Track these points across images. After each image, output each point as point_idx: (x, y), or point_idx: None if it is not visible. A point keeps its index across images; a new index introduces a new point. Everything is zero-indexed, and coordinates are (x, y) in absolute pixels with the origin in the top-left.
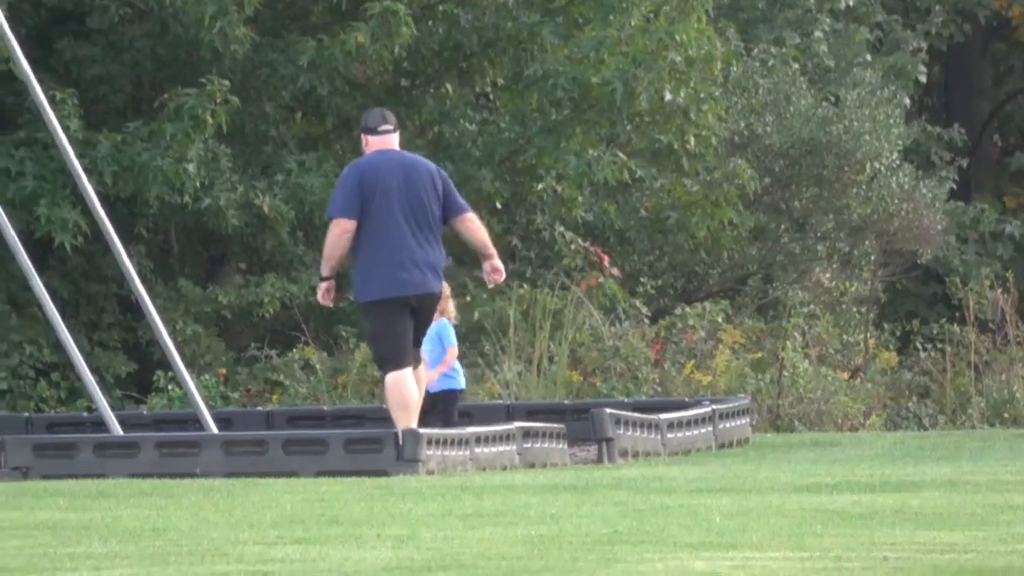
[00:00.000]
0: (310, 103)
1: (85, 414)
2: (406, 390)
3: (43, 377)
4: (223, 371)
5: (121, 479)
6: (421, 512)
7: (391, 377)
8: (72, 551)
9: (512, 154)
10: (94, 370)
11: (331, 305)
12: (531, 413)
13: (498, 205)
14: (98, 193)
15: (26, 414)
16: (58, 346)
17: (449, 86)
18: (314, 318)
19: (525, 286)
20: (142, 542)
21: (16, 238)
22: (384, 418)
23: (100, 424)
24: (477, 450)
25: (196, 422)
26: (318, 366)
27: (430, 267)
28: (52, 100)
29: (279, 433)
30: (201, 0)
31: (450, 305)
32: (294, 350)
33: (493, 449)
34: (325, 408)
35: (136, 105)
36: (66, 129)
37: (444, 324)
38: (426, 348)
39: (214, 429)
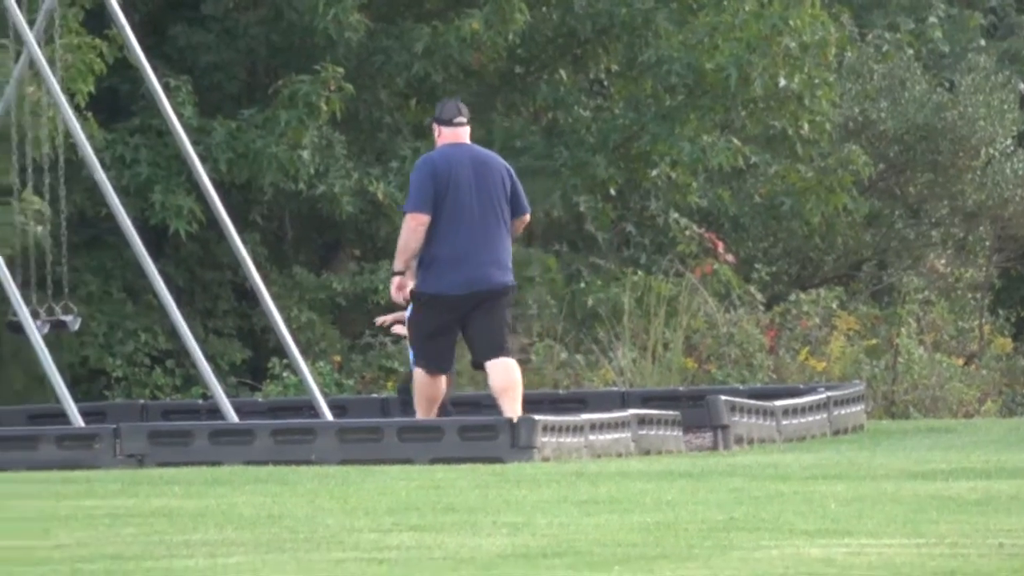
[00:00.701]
0: (424, 90)
1: (200, 401)
2: (429, 384)
3: (158, 364)
4: (338, 358)
5: (236, 466)
6: (536, 499)
7: (419, 373)
8: (187, 538)
9: (626, 140)
10: (209, 357)
11: (404, 300)
12: (646, 400)
13: (612, 192)
14: (213, 180)
15: (141, 401)
16: (173, 333)
17: (563, 72)
18: None
19: (639, 273)
20: (257, 529)
21: (131, 225)
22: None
23: (215, 411)
24: (592, 437)
25: (311, 409)
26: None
27: (497, 262)
28: (166, 87)
29: (394, 420)
30: None
31: None
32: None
33: (608, 436)
34: None
35: (250, 92)
36: (180, 116)
37: None
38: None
39: (329, 416)
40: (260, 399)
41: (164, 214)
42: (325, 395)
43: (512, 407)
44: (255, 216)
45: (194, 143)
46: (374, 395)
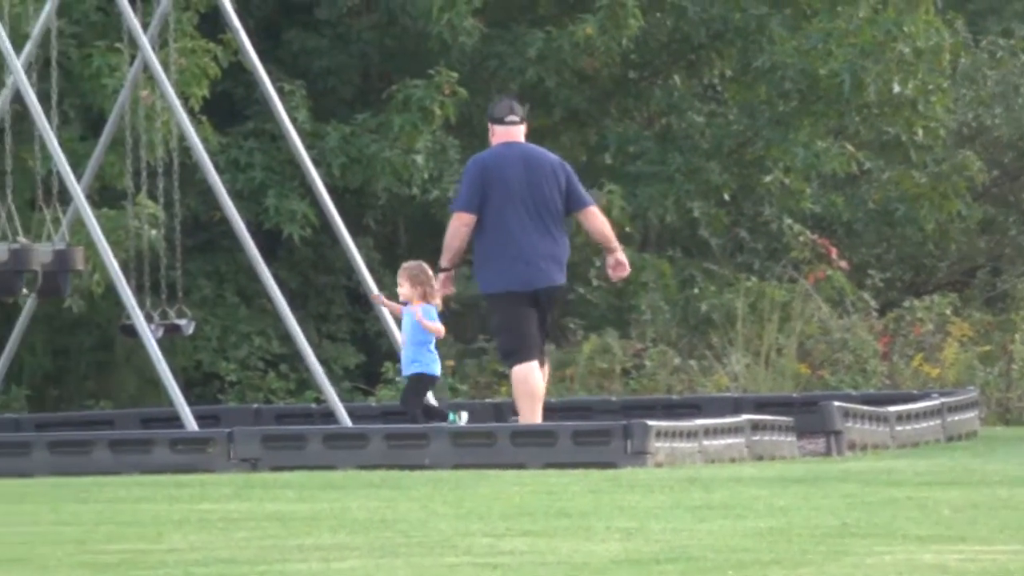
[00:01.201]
0: (538, 95)
1: (314, 405)
2: (533, 381)
3: (272, 368)
4: (451, 363)
5: (350, 470)
6: (649, 504)
7: (518, 369)
8: (301, 543)
9: (740, 146)
10: (323, 361)
11: (449, 293)
12: (759, 406)
13: (726, 197)
14: (326, 184)
15: (255, 405)
16: (287, 337)
17: (677, 78)
18: None
19: (753, 278)
20: (371, 533)
21: (245, 229)
22: (611, 411)
23: (329, 415)
24: (706, 442)
25: None
26: (546, 358)
27: (552, 259)
28: (280, 91)
29: (507, 425)
30: None
31: (438, 298)
32: None
33: (721, 441)
34: (553, 400)
35: (364, 96)
36: (294, 120)
37: (429, 308)
38: (405, 327)
39: None
40: (373, 403)
41: (278, 218)
42: (439, 401)
43: (531, 416)
44: (368, 220)
45: (308, 147)
46: (487, 400)
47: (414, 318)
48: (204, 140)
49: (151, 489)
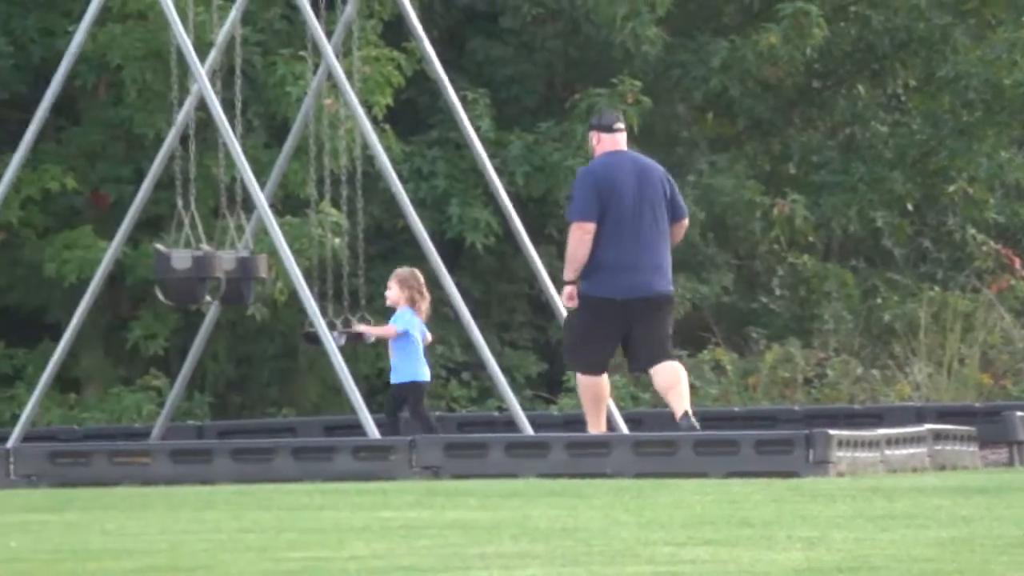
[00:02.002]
0: (722, 104)
1: (496, 414)
2: (599, 388)
3: (454, 377)
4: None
5: (531, 479)
6: (831, 514)
7: (585, 379)
8: (482, 551)
9: (924, 156)
10: (505, 370)
11: (574, 306)
12: (942, 415)
13: (909, 207)
14: (509, 193)
15: (437, 413)
16: (469, 346)
17: (861, 87)
18: (725, 319)
19: (936, 288)
20: (552, 542)
21: (428, 238)
22: (793, 420)
23: (511, 424)
24: (888, 452)
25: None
26: (728, 367)
27: (658, 268)
28: (464, 100)
29: (689, 434)
30: (613, 1)
31: (424, 304)
32: (704, 351)
33: (904, 451)
34: (735, 409)
35: (547, 105)
36: (478, 129)
37: (404, 310)
38: (393, 340)
39: (624, 429)
40: (556, 412)
41: (461, 227)
42: (621, 408)
43: (680, 402)
44: (551, 229)
45: (491, 156)
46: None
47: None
48: (387, 149)
49: (333, 496)
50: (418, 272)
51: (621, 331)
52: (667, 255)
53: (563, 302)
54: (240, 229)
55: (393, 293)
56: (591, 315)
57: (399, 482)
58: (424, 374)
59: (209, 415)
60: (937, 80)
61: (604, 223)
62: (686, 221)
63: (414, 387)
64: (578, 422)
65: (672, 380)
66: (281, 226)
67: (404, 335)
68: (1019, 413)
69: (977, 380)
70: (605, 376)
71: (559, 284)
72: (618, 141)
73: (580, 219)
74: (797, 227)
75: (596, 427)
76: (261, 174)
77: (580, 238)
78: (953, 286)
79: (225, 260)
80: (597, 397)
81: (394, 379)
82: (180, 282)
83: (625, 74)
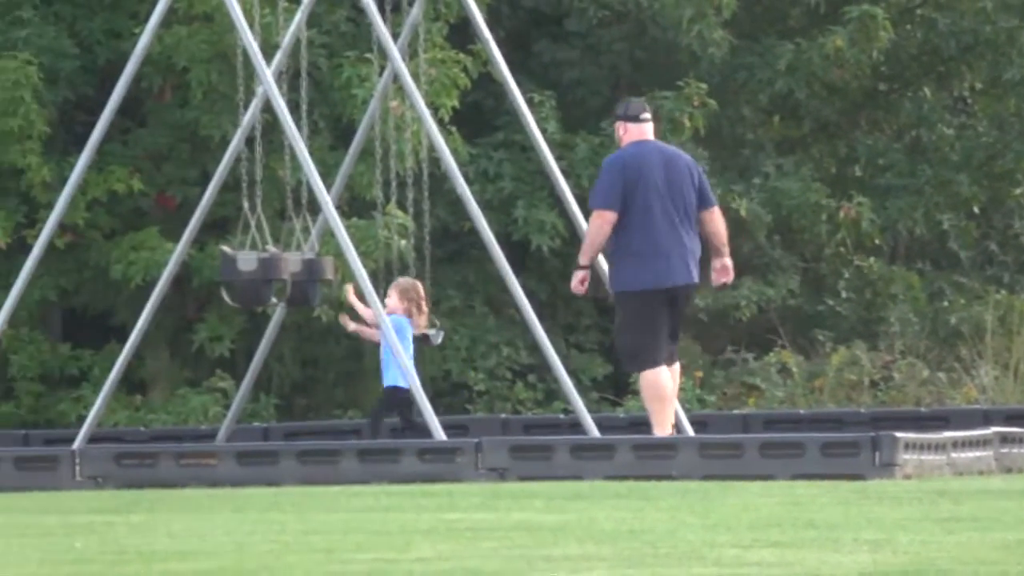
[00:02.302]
0: (787, 106)
1: (561, 416)
2: (663, 384)
3: (520, 379)
4: (699, 374)
5: (597, 481)
6: (897, 516)
7: (648, 374)
8: (548, 553)
9: (990, 159)
10: (571, 372)
11: (583, 294)
12: (1009, 418)
13: (975, 210)
14: (575, 195)
15: (503, 415)
16: (535, 348)
17: (927, 90)
18: (791, 321)
19: (1002, 291)
20: (618, 544)
21: (494, 240)
22: (860, 422)
23: (576, 426)
24: (954, 455)
25: (672, 424)
26: (795, 369)
27: (691, 257)
28: (530, 102)
29: (755, 436)
30: (679, 3)
31: (422, 319)
32: (770, 353)
33: (970, 454)
34: (801, 411)
35: (613, 107)
36: (544, 131)
37: (399, 319)
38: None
39: (690, 432)
40: (621, 414)
41: (527, 229)
42: (687, 410)
43: (663, 421)
44: None
45: (557, 158)
46: (735, 411)
47: (399, 330)
48: (453, 151)
49: (399, 498)
50: (419, 284)
51: (666, 318)
52: (697, 243)
53: (573, 286)
54: (306, 231)
55: (392, 302)
56: (645, 309)
57: (465, 484)
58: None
59: (275, 417)
60: (1003, 83)
61: (632, 212)
62: (717, 209)
63: (397, 392)
64: (644, 424)
65: (676, 384)
66: (347, 228)
67: (398, 334)
68: None
69: None
70: (665, 369)
71: None
72: (645, 131)
73: (603, 207)
74: (863, 230)
75: (662, 427)
76: (327, 176)
77: (600, 226)
78: (1019, 289)
79: (291, 262)
80: (661, 395)
81: (385, 382)
82: (246, 284)
83: (691, 76)
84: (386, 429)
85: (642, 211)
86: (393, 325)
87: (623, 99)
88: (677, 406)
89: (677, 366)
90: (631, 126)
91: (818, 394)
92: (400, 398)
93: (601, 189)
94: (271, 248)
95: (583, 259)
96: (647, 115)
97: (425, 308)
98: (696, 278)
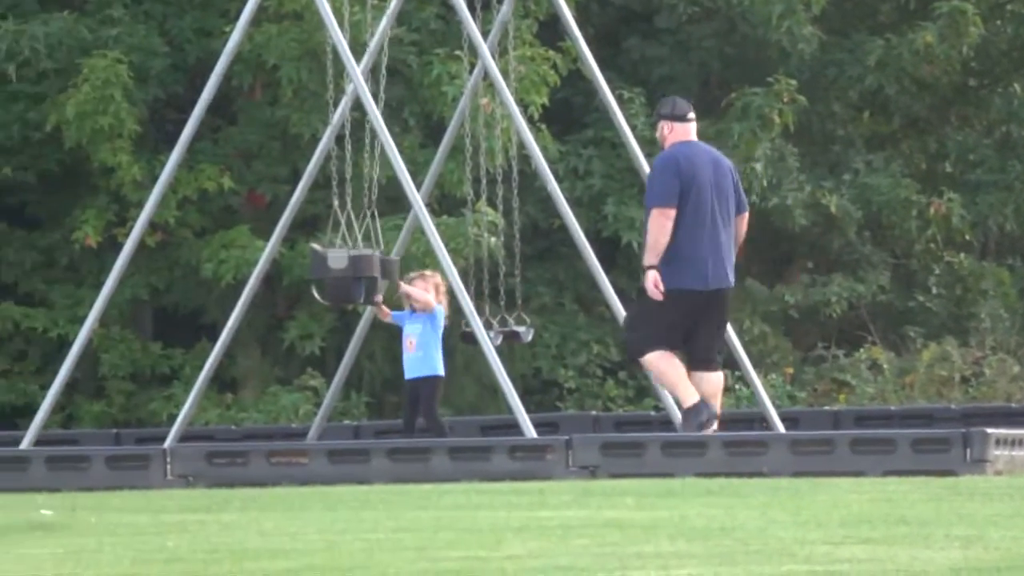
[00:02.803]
0: (878, 102)
1: (652, 413)
2: (666, 358)
3: (610, 376)
4: (790, 370)
5: (688, 478)
6: (989, 512)
7: (650, 357)
8: (639, 550)
9: None
10: None
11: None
12: None
13: None
14: None
15: (593, 413)
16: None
17: (1017, 86)
18: (881, 318)
19: None
20: (709, 541)
21: (584, 237)
22: (951, 418)
23: (667, 423)
24: None
25: (763, 421)
26: (885, 366)
27: (730, 260)
28: (620, 99)
29: (846, 433)
30: (769, 0)
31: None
32: (861, 350)
33: None
34: (892, 408)
35: (703, 104)
36: (633, 128)
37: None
38: (415, 330)
39: (781, 428)
40: None
41: (616, 225)
42: (777, 407)
43: (686, 391)
44: None
45: (647, 155)
46: (826, 407)
47: (436, 320)
48: (543, 148)
49: (490, 496)
50: (439, 275)
51: (694, 321)
52: (733, 248)
53: (649, 288)
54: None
55: (433, 295)
56: (674, 308)
57: (556, 481)
58: (441, 368)
59: (366, 415)
60: None
61: (683, 212)
62: (746, 215)
63: (436, 382)
64: (734, 421)
65: (717, 390)
66: (437, 226)
67: (434, 325)
68: None
69: None
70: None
71: None
72: (690, 131)
73: (662, 205)
74: (953, 225)
75: (689, 396)
76: (417, 174)
77: (663, 224)
78: None
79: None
80: (673, 367)
81: (418, 372)
82: (336, 282)
83: (781, 73)
84: (443, 425)
85: (693, 211)
86: (440, 312)
87: (666, 98)
88: (768, 402)
89: (720, 375)
90: (677, 125)
91: (909, 390)
92: (437, 386)
93: (658, 186)
94: (361, 246)
95: (651, 259)
96: (692, 115)
97: (443, 288)
98: (733, 282)
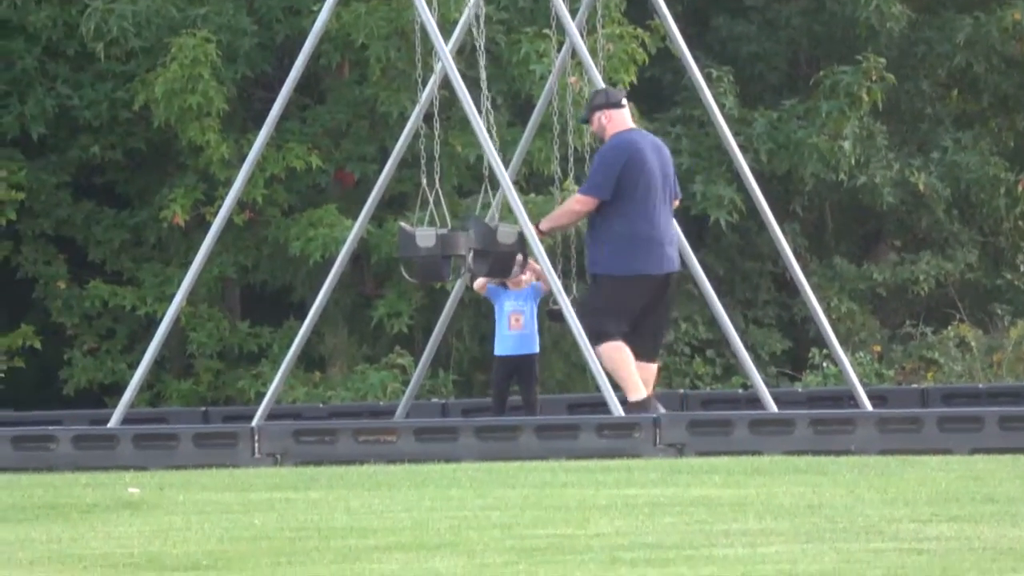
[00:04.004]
0: (966, 80)
1: (740, 391)
2: (623, 347)
3: (698, 354)
4: (878, 348)
5: (776, 456)
6: None
7: (606, 346)
8: (727, 528)
9: None
10: (749, 347)
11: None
12: None
13: None
14: (753, 170)
15: (681, 391)
16: (713, 323)
17: None
18: (969, 295)
19: None
20: (797, 519)
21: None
22: None
23: (755, 401)
24: None
25: (850, 399)
26: (973, 344)
27: (676, 244)
28: (708, 78)
29: (934, 411)
30: None
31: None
32: (949, 328)
33: None
34: (980, 386)
35: (792, 82)
36: (722, 107)
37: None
38: (523, 307)
39: (868, 406)
40: (800, 389)
41: (705, 204)
42: (865, 385)
43: (635, 385)
44: (795, 206)
45: (735, 133)
46: (914, 385)
47: (539, 297)
48: None
49: (577, 474)
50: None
51: (646, 307)
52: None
53: (534, 237)
54: (486, 208)
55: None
56: (633, 292)
57: (643, 459)
58: (536, 345)
59: (453, 393)
60: None
61: (634, 199)
62: (678, 202)
63: (532, 359)
64: (821, 399)
65: (652, 378)
66: (525, 204)
67: (536, 302)
68: None
69: None
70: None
71: (803, 261)
72: (626, 117)
73: (592, 194)
74: None
75: (637, 390)
76: (505, 152)
77: (579, 212)
78: None
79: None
80: (625, 358)
81: (525, 350)
82: (424, 260)
83: (869, 51)
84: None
85: (644, 197)
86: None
87: (597, 90)
88: (855, 380)
89: (655, 366)
90: (614, 113)
91: (996, 368)
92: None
93: (601, 178)
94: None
95: (545, 225)
96: (625, 100)
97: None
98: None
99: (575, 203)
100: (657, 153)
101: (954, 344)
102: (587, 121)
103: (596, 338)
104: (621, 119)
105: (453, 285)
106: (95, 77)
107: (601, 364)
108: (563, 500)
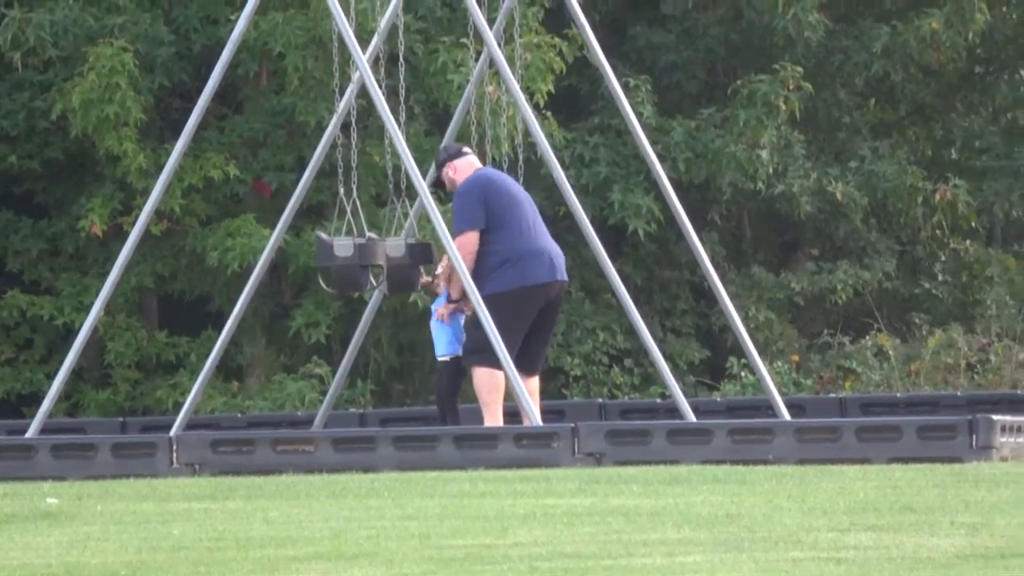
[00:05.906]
0: (884, 89)
1: (658, 400)
2: (498, 376)
3: (616, 363)
4: (795, 358)
5: (694, 465)
6: (995, 499)
7: (485, 370)
8: (645, 537)
9: None
10: (667, 356)
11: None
12: None
13: None
14: (671, 179)
15: (599, 400)
16: (631, 332)
17: (1023, 72)
18: (887, 305)
19: None
20: (715, 528)
21: (590, 224)
22: (956, 405)
23: (673, 411)
24: None
25: (768, 409)
26: (891, 352)
27: (560, 258)
28: (626, 87)
29: (852, 420)
30: None
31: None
32: (867, 337)
33: None
34: (898, 395)
35: (709, 92)
36: (639, 116)
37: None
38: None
39: (787, 416)
40: (718, 398)
41: (623, 213)
42: (783, 394)
43: (497, 413)
44: (713, 215)
45: (653, 143)
46: (832, 395)
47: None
48: (549, 135)
49: (495, 484)
50: None
51: (539, 320)
52: None
53: (439, 315)
54: (404, 217)
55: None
56: (524, 305)
57: (562, 469)
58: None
59: (372, 403)
60: None
61: (509, 222)
62: None
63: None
64: (739, 408)
65: (535, 391)
66: (443, 214)
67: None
68: None
69: None
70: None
71: (721, 270)
72: (473, 160)
73: (471, 228)
74: (959, 212)
75: (496, 418)
76: (423, 161)
77: (468, 249)
78: None
79: (389, 247)
80: (499, 387)
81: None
82: (342, 270)
83: (787, 60)
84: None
85: (518, 218)
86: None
87: (439, 150)
88: (773, 389)
89: (536, 380)
90: (459, 162)
91: (914, 377)
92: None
93: (468, 211)
94: (370, 234)
95: (455, 290)
96: (467, 148)
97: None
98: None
99: (459, 248)
100: (516, 183)
101: (872, 353)
102: (438, 183)
103: (475, 355)
104: (467, 164)
105: (371, 295)
106: (12, 87)
107: (473, 381)
108: (481, 510)
